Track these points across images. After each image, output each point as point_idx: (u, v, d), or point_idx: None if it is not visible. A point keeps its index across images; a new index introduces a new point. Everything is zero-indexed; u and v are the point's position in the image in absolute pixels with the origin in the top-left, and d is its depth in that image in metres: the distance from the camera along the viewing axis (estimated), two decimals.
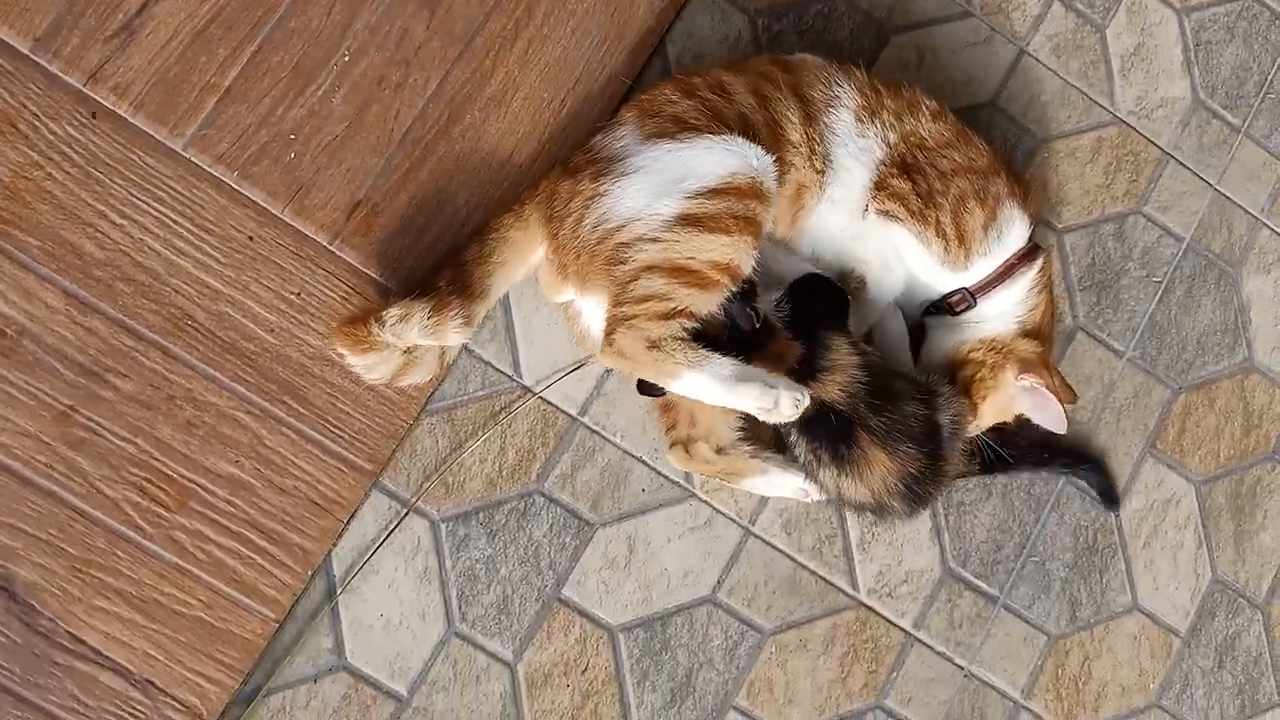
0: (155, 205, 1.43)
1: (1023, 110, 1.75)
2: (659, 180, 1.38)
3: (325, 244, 1.47)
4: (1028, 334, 1.54)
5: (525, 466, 1.55)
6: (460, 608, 1.52)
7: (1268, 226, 1.83)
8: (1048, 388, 1.50)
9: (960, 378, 1.54)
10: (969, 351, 1.54)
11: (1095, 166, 1.77)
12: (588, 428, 1.57)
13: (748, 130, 1.43)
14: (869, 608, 1.63)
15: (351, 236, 1.48)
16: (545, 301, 1.55)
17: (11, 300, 1.39)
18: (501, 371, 1.55)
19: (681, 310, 1.37)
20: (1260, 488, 1.79)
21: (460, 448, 1.52)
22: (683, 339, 1.37)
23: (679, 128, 1.41)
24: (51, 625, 1.36)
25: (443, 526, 1.52)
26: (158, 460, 1.40)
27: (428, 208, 1.50)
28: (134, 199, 1.42)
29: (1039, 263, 1.54)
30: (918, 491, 1.50)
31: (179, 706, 1.38)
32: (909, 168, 1.47)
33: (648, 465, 1.58)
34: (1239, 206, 1.82)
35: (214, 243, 1.44)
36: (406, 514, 1.50)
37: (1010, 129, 1.74)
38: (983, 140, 1.54)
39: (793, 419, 1.39)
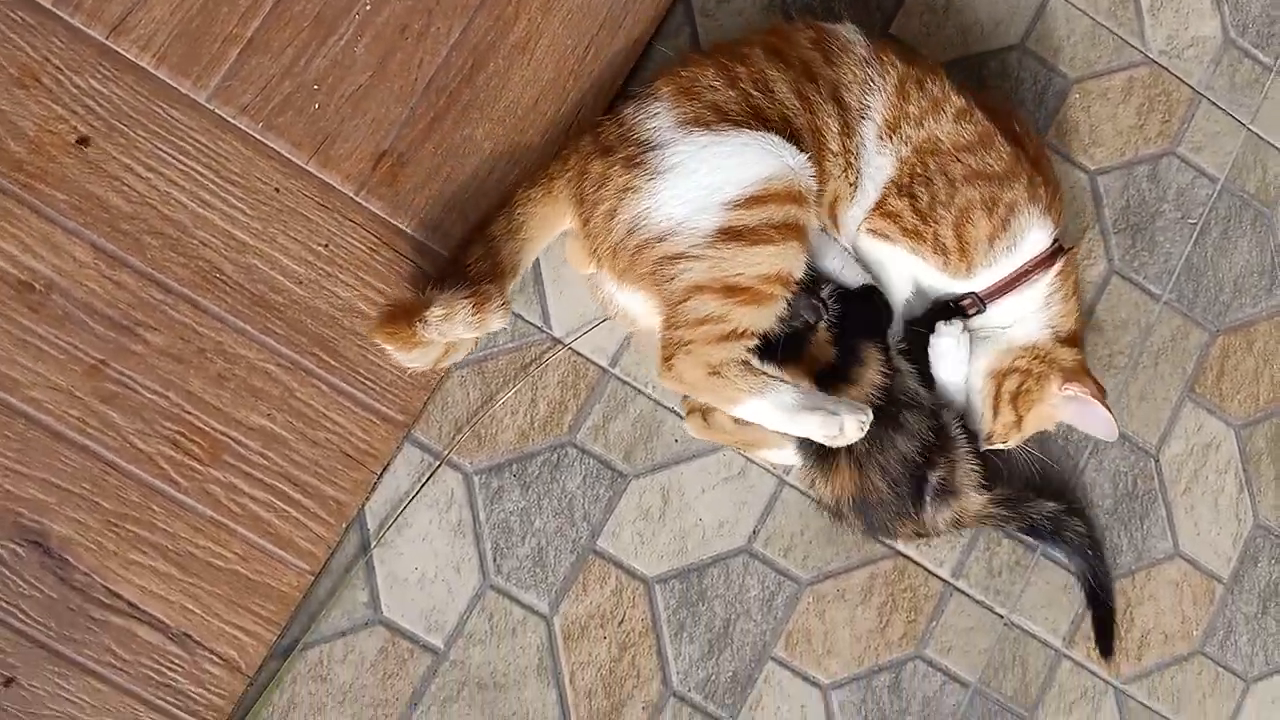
0: (180, 158, 1.41)
1: (1053, 52, 1.71)
2: (696, 186, 1.32)
3: (351, 195, 1.45)
4: (1064, 340, 1.50)
5: (557, 418, 1.53)
6: (495, 560, 1.50)
7: None
8: (1094, 396, 1.46)
9: (1005, 390, 1.48)
10: (1014, 361, 1.48)
11: (1127, 107, 1.73)
12: (619, 379, 1.54)
13: (790, 133, 1.38)
14: (906, 557, 1.60)
15: (377, 187, 1.46)
16: None
17: (40, 255, 1.37)
18: (531, 323, 1.52)
19: (741, 331, 1.33)
20: None
21: (491, 400, 1.50)
22: (745, 363, 1.35)
23: (718, 118, 1.35)
24: (87, 580, 1.34)
25: (476, 479, 1.50)
26: (190, 413, 1.38)
27: (453, 157, 1.48)
28: (159, 152, 1.40)
29: (1056, 267, 1.47)
30: (874, 521, 1.50)
31: (217, 660, 1.37)
32: (915, 179, 1.42)
33: (680, 416, 1.55)
34: (1273, 146, 1.77)
35: (240, 195, 1.42)
36: (439, 465, 1.48)
37: (1040, 71, 1.70)
38: (1005, 140, 1.45)
39: (858, 439, 1.37)
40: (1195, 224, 1.74)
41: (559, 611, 1.51)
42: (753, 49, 1.43)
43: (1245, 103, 1.77)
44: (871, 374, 1.44)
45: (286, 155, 1.44)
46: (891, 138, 1.42)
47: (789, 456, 1.52)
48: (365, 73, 1.46)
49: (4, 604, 1.33)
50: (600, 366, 1.54)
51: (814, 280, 1.43)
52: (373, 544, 1.45)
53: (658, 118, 1.36)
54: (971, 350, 1.50)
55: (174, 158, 1.41)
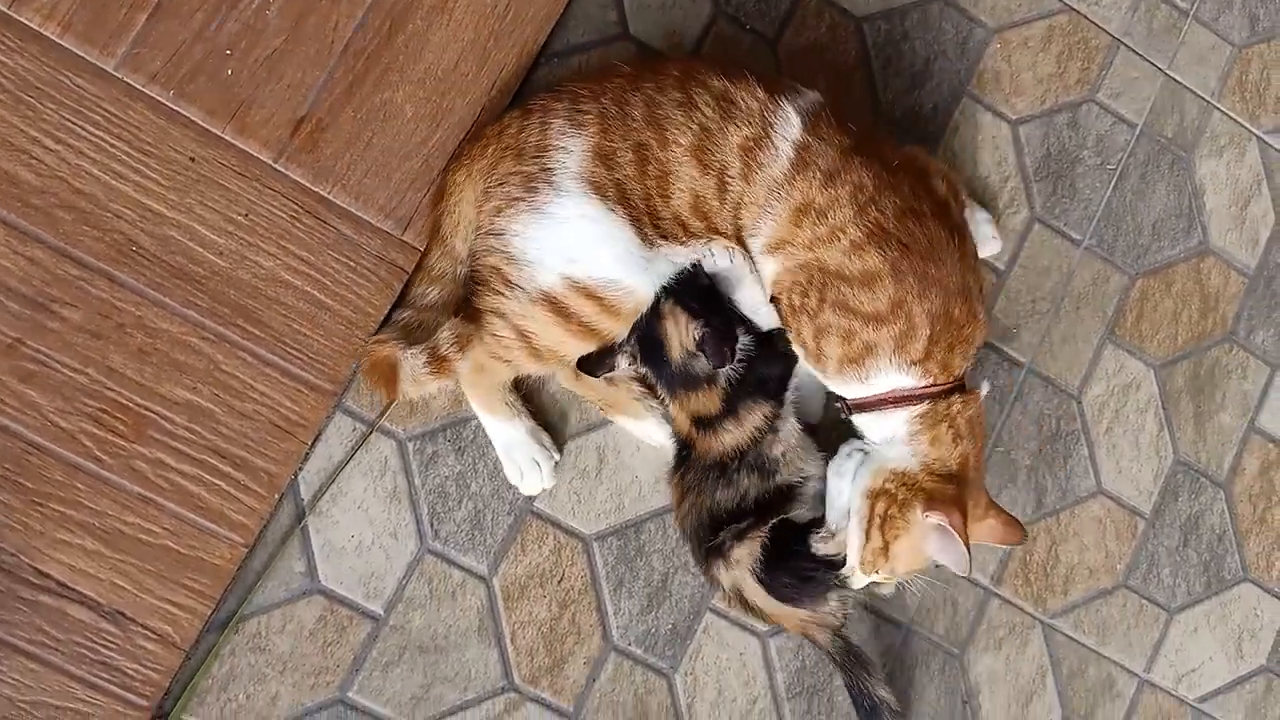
0: (90, 129, 1.35)
1: (973, 2, 1.69)
2: (558, 244, 1.34)
3: (270, 162, 1.40)
4: (938, 475, 1.37)
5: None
6: (432, 525, 1.47)
7: (1219, 109, 1.78)
8: (953, 526, 1.32)
9: (875, 513, 1.37)
10: (883, 483, 1.37)
11: (1047, 55, 1.72)
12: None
13: (675, 231, 1.37)
14: None
15: (297, 154, 1.41)
16: None
17: None
18: None
19: (515, 365, 1.40)
20: (1219, 369, 1.77)
21: None
22: (504, 384, 1.44)
23: (617, 198, 1.34)
24: (14, 560, 1.30)
25: (410, 445, 1.47)
26: (111, 390, 1.34)
27: (374, 121, 1.43)
28: (67, 123, 1.34)
29: (918, 408, 1.36)
30: (691, 549, 1.50)
31: (151, 635, 1.33)
32: (795, 283, 1.37)
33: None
34: (1190, 90, 1.77)
35: (154, 165, 1.36)
36: (371, 431, 1.44)
37: (961, 22, 1.68)
38: (897, 287, 1.32)
39: (526, 491, 1.49)
40: (1114, 170, 1.74)
41: (498, 573, 1.49)
42: (670, 97, 1.36)
43: (1163, 48, 1.76)
44: (738, 435, 1.44)
45: (200, 123, 1.38)
46: (776, 252, 1.37)
47: (650, 431, 1.50)
48: (279, 36, 1.40)
49: None
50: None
51: (731, 319, 1.43)
52: (306, 514, 1.42)
53: (571, 157, 1.34)
54: (859, 469, 1.41)
55: (83, 129, 1.35)
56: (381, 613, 1.45)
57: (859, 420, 1.42)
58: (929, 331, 1.33)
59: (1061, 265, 1.71)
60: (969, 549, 1.33)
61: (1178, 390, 1.75)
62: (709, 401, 1.43)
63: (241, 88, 1.39)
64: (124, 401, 1.34)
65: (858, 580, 1.41)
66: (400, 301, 1.43)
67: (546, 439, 1.48)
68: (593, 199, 1.33)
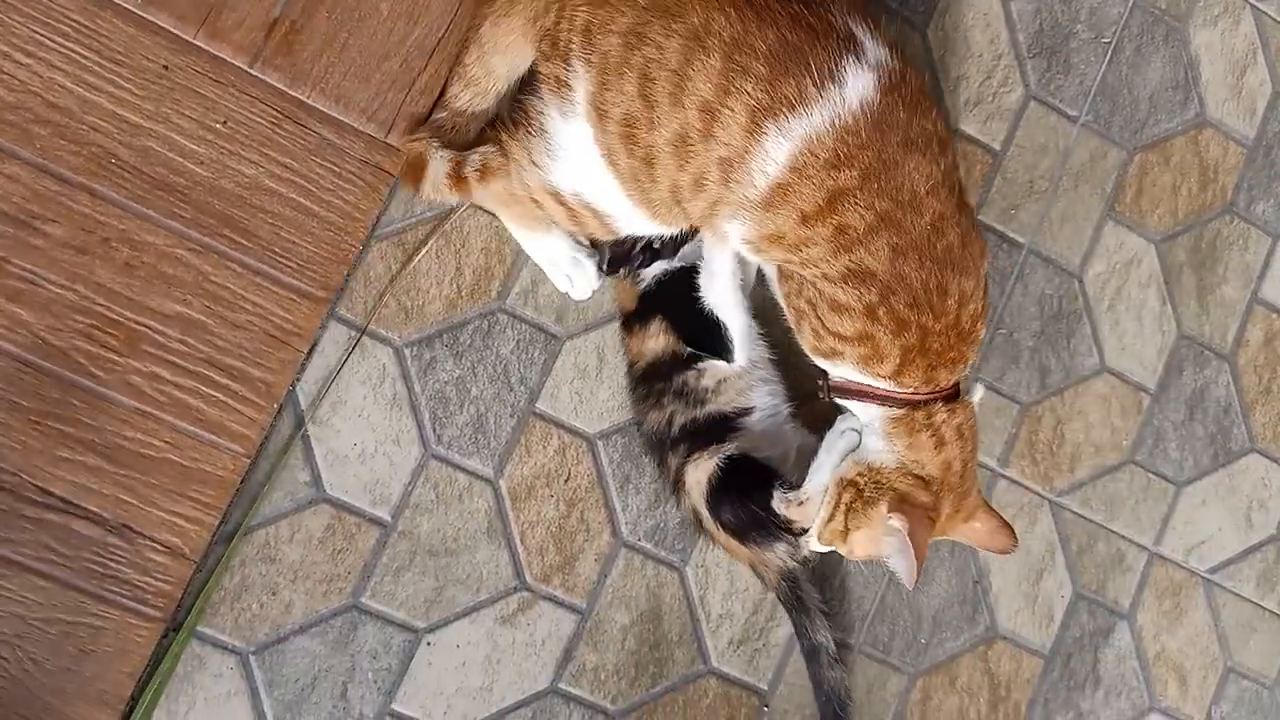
0: (60, 40, 1.30)
1: None
2: (576, 162, 1.29)
3: (245, 68, 1.35)
4: (915, 477, 1.30)
5: (484, 285, 1.47)
6: (435, 430, 1.45)
7: None
8: (911, 538, 1.26)
9: (843, 500, 1.32)
10: (856, 474, 1.31)
11: None
12: None
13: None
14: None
15: (273, 58, 1.36)
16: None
17: None
18: None
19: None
20: (1220, 241, 1.73)
21: (408, 261, 1.43)
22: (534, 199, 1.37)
23: (626, 148, 1.23)
24: (15, 480, 1.28)
25: (406, 351, 1.44)
26: (101, 305, 1.31)
27: (349, 21, 1.38)
28: (36, 35, 1.30)
29: (892, 411, 1.29)
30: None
31: (159, 547, 1.32)
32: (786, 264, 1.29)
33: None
34: None
35: (127, 75, 1.32)
36: (362, 335, 1.41)
37: None
38: (867, 324, 1.24)
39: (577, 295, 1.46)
40: (1109, 43, 1.68)
41: (504, 474, 1.47)
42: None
43: None
44: (655, 346, 1.43)
45: (171, 30, 1.33)
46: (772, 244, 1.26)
47: (547, 248, 1.44)
48: None
49: None
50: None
51: (652, 254, 1.43)
52: (307, 421, 1.40)
53: (575, 79, 1.24)
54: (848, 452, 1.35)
55: (53, 40, 1.30)
56: (389, 519, 1.43)
57: (840, 401, 1.35)
58: (898, 361, 1.25)
59: (1058, 143, 1.66)
60: (920, 565, 1.27)
61: (1179, 264, 1.72)
62: (626, 296, 1.44)
63: None
64: (114, 317, 1.31)
65: (813, 546, 1.37)
66: (438, 101, 1.40)
67: (584, 241, 1.44)
68: (599, 134, 1.27)
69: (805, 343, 1.33)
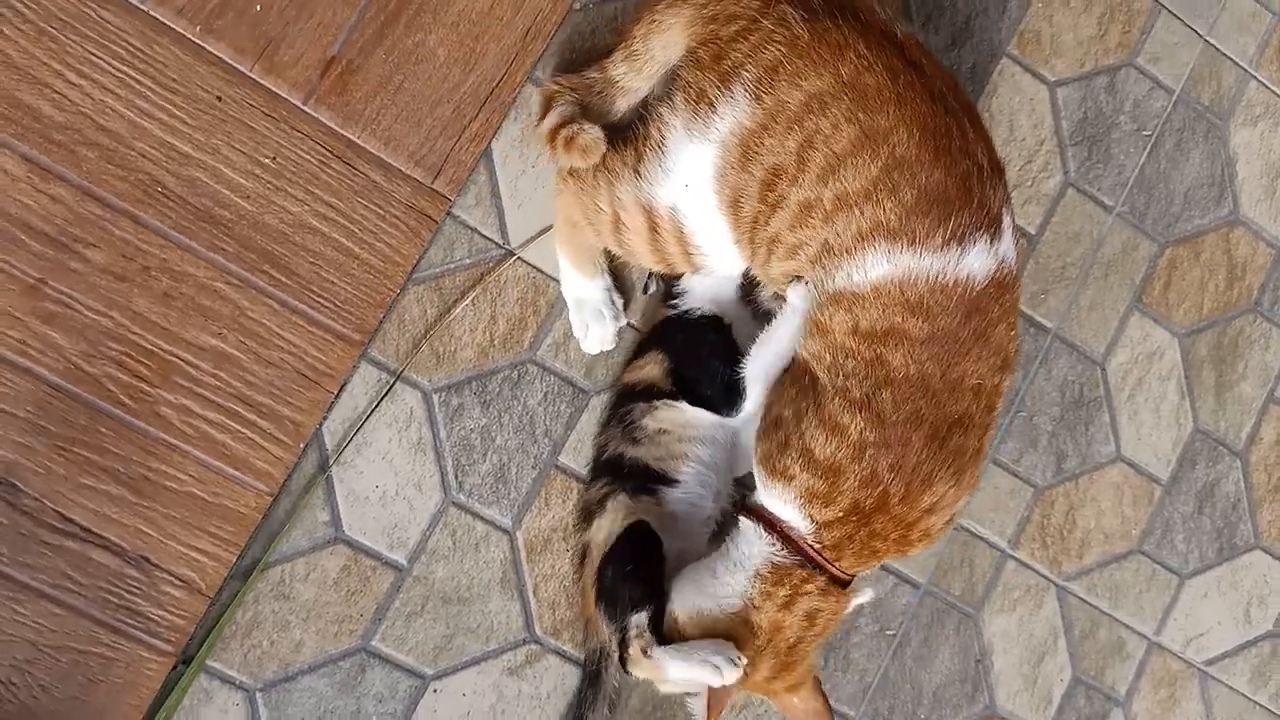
0: (115, 64, 1.28)
1: None
2: (679, 167, 1.25)
3: (299, 104, 1.34)
4: (745, 622, 1.25)
5: (517, 335, 1.45)
6: (457, 477, 1.44)
7: (1255, 78, 1.73)
8: (712, 695, 1.23)
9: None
10: (686, 618, 1.28)
11: (1089, 16, 1.65)
12: None
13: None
14: None
15: (326, 96, 1.34)
16: (531, 164, 1.43)
17: None
18: (488, 238, 1.44)
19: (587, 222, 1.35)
20: (1242, 339, 1.74)
21: (447, 312, 1.42)
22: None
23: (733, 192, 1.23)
24: (37, 504, 1.26)
25: (435, 396, 1.43)
26: (136, 334, 1.29)
27: (406, 64, 1.37)
28: (92, 57, 1.28)
29: (786, 559, 1.25)
30: None
31: (176, 581, 1.30)
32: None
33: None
34: (1228, 58, 1.71)
35: (180, 103, 1.30)
36: (396, 380, 1.40)
37: None
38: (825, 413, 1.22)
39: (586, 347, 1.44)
40: (1150, 136, 1.69)
41: (521, 526, 1.46)
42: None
43: (1204, 14, 1.70)
44: (637, 376, 1.43)
45: (228, 61, 1.31)
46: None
47: (594, 294, 1.42)
48: None
49: None
50: (559, 282, 1.46)
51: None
52: (331, 463, 1.38)
53: (727, 105, 1.21)
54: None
55: (108, 63, 1.28)
56: (405, 563, 1.42)
57: (743, 520, 1.30)
58: (840, 513, 1.22)
59: (1093, 231, 1.66)
60: (716, 711, 1.24)
61: (1200, 360, 1.72)
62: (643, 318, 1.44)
63: (270, 25, 1.32)
64: (149, 346, 1.29)
65: (633, 667, 1.31)
66: (600, 62, 1.37)
67: (619, 301, 1.43)
68: (704, 156, 1.25)
69: (760, 451, 1.28)
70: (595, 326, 1.43)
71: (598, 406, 1.48)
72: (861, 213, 1.16)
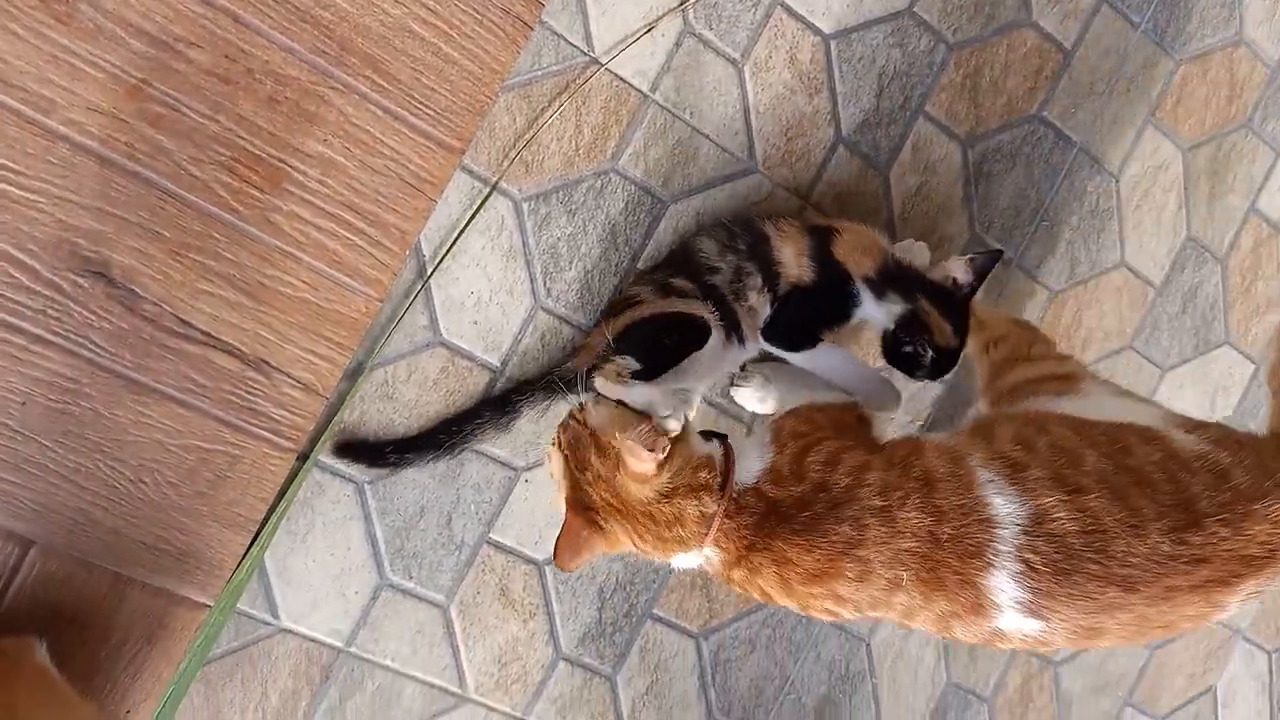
0: None
1: None
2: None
3: None
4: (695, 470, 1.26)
5: (600, 144, 1.47)
6: (545, 284, 1.48)
7: None
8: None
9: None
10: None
11: None
12: (658, 104, 1.48)
13: None
14: None
15: None
16: None
17: None
18: (573, 44, 1.42)
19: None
20: (1234, 153, 1.87)
21: (533, 124, 1.42)
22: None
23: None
24: (156, 310, 1.26)
25: (524, 205, 1.45)
26: (243, 138, 1.26)
27: None
28: None
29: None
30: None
31: (295, 383, 1.33)
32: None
33: (713, 142, 1.51)
34: None
35: None
36: (493, 190, 1.41)
37: None
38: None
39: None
40: None
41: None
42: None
43: None
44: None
45: None
46: None
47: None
48: None
49: (72, 335, 1.23)
50: (641, 92, 1.47)
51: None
52: (431, 270, 1.40)
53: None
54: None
55: None
56: (499, 365, 1.47)
57: (716, 439, 1.32)
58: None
59: (1120, 47, 1.74)
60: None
61: (1199, 172, 1.85)
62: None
63: None
64: (257, 152, 1.27)
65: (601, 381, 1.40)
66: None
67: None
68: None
69: (790, 423, 1.34)
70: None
71: (674, 215, 1.52)
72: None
